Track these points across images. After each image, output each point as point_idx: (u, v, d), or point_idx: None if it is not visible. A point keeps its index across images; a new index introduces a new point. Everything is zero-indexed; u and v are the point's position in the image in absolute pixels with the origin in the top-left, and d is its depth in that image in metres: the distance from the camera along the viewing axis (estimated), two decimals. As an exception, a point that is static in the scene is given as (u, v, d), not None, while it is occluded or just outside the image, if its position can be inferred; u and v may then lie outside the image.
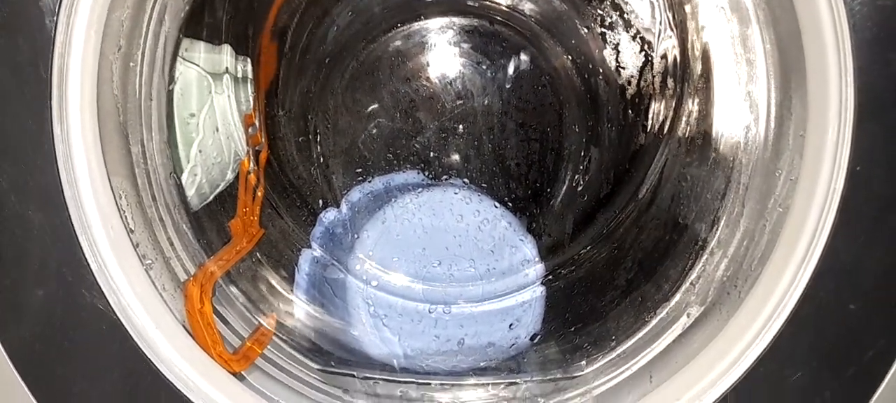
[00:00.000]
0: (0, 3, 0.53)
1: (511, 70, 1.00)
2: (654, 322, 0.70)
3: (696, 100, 0.81)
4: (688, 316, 0.67)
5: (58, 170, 0.55)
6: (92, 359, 0.60)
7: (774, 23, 0.60)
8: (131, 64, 0.61)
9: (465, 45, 1.01)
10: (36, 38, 0.53)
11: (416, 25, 1.01)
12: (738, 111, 0.68)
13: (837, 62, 0.53)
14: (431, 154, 1.00)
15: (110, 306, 0.58)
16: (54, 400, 0.59)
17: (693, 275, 0.69)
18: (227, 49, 0.81)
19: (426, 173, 0.98)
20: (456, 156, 1.00)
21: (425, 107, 1.00)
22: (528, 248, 0.88)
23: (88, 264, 0.57)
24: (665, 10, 0.86)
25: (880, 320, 0.58)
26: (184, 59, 0.74)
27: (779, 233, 0.58)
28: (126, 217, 0.60)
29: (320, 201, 0.97)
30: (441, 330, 0.85)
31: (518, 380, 0.76)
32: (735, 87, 0.68)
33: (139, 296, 0.59)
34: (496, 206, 0.89)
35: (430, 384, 0.77)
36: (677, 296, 0.70)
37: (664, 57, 0.89)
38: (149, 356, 0.59)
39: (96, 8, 0.54)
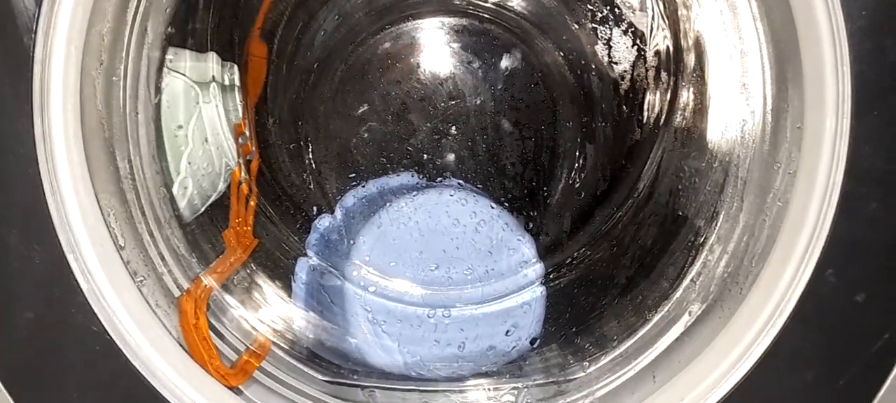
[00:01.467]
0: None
1: (503, 68, 1.00)
2: (655, 320, 0.70)
3: (691, 93, 0.81)
4: (689, 313, 0.67)
5: (43, 190, 0.55)
6: (86, 380, 0.59)
7: (768, 12, 0.60)
8: (114, 78, 0.61)
9: (455, 45, 1.00)
10: (13, 57, 0.53)
11: (404, 26, 1.00)
12: (733, 103, 0.67)
13: (833, 52, 0.52)
14: (425, 156, 0.99)
15: (103, 325, 0.57)
16: (48, 424, 0.59)
17: (693, 272, 0.69)
18: (212, 57, 0.81)
19: (421, 175, 0.98)
20: (450, 157, 1.00)
21: (417, 108, 1.00)
22: (527, 248, 0.87)
23: (78, 284, 0.56)
24: (656, 2, 0.85)
25: (886, 311, 0.57)
26: (169, 69, 0.73)
27: (779, 228, 0.58)
28: (115, 234, 0.59)
29: (314, 208, 0.97)
30: (441, 335, 0.84)
31: (520, 384, 0.76)
32: (730, 79, 0.67)
33: (132, 314, 0.58)
34: (493, 207, 0.89)
35: (431, 390, 0.77)
36: (678, 294, 0.69)
37: (657, 50, 0.88)
38: (144, 374, 0.58)
39: (75, 23, 0.54)
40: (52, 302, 0.57)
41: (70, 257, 0.56)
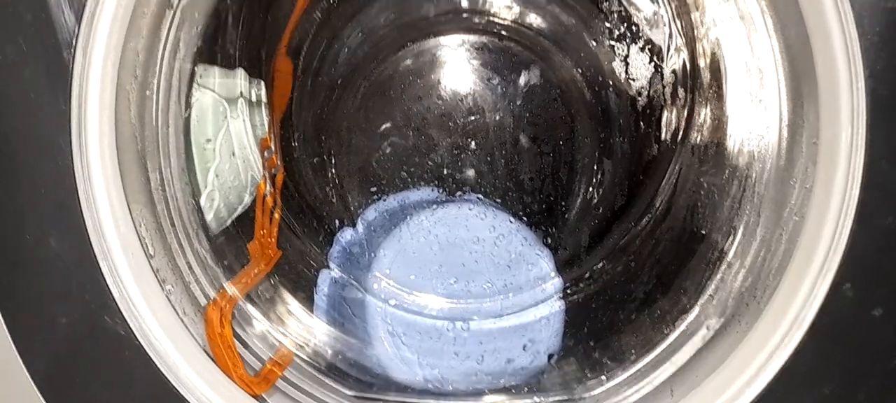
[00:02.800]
0: (18, 37, 0.54)
1: (521, 85, 1.01)
2: (673, 335, 0.70)
3: (708, 109, 0.81)
4: (707, 328, 0.66)
5: (79, 200, 0.56)
6: (115, 384, 0.61)
7: (783, 29, 0.60)
8: (148, 92, 0.62)
9: (475, 62, 1.01)
10: (54, 71, 0.55)
11: (425, 44, 1.02)
12: (750, 119, 0.67)
13: (847, 67, 0.52)
14: (445, 170, 1.00)
15: (132, 331, 0.59)
16: (78, 425, 0.61)
17: (711, 287, 0.68)
18: (240, 73, 0.82)
19: (441, 189, 0.99)
20: (470, 172, 1.01)
21: (437, 124, 1.01)
22: (545, 262, 0.87)
23: (110, 291, 0.58)
24: (673, 21, 0.86)
25: (904, 326, 0.57)
26: (199, 84, 0.75)
27: (796, 242, 0.58)
28: (146, 243, 0.61)
29: (337, 221, 0.98)
30: (460, 348, 0.85)
31: (538, 398, 0.76)
32: (746, 95, 0.67)
33: (160, 321, 0.60)
34: (511, 221, 0.89)
35: (449, 403, 0.77)
36: (696, 309, 0.69)
37: (674, 67, 0.88)
38: (170, 380, 0.60)
39: (112, 39, 0.55)
40: (85, 307, 0.58)
41: (103, 264, 0.57)
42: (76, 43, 0.54)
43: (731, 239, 0.68)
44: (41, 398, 0.60)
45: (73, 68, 0.55)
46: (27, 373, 0.59)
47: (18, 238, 0.57)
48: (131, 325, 0.59)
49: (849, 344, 0.57)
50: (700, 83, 0.82)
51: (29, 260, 0.58)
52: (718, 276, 0.68)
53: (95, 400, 0.61)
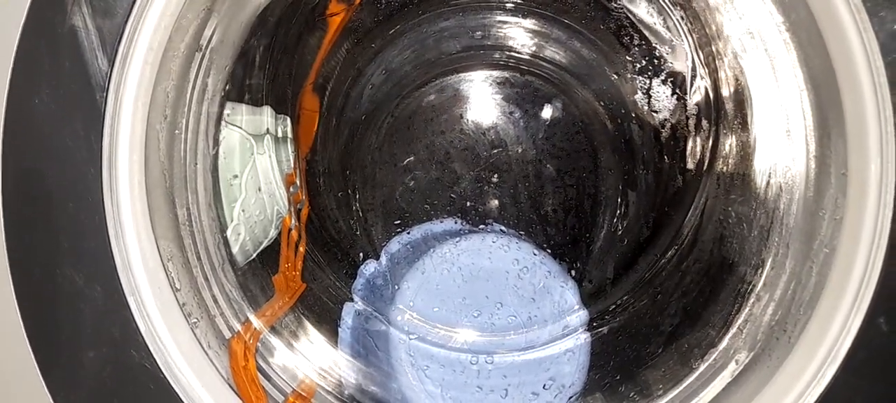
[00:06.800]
0: (56, 82, 0.56)
1: (544, 118, 1.01)
2: (701, 368, 0.68)
3: (733, 140, 0.80)
4: (736, 362, 0.65)
5: (108, 236, 0.57)
6: (141, 418, 0.61)
7: (806, 60, 0.59)
8: (177, 131, 0.64)
9: (498, 97, 1.02)
10: (87, 113, 0.56)
11: (447, 80, 1.03)
12: (776, 150, 0.66)
13: (874, 97, 0.52)
14: (468, 203, 1.00)
15: (158, 365, 0.59)
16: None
17: (740, 320, 0.67)
18: (267, 110, 0.84)
19: (464, 222, 0.99)
20: (493, 204, 1.01)
21: (460, 157, 1.01)
22: (570, 295, 0.86)
23: (137, 325, 0.58)
24: (695, 52, 0.86)
25: (944, 362, 0.55)
26: (227, 122, 0.77)
27: (827, 275, 0.56)
28: (173, 277, 0.61)
29: (361, 254, 0.98)
30: (484, 381, 0.84)
31: (563, 433, 0.75)
32: (772, 126, 0.66)
33: (185, 355, 0.60)
34: (535, 253, 0.89)
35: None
36: (724, 342, 0.68)
37: (697, 98, 0.88)
38: (195, 413, 0.60)
39: (143, 82, 0.57)
40: (112, 341, 0.58)
41: (130, 299, 0.58)
42: (108, 86, 0.56)
43: (759, 271, 0.67)
44: (69, 430, 0.60)
45: (105, 110, 0.56)
46: (56, 407, 0.60)
47: (49, 273, 0.58)
48: (157, 359, 0.59)
49: (884, 381, 0.55)
50: (724, 114, 0.81)
51: (59, 295, 0.59)
52: (747, 309, 0.67)
53: (122, 435, 0.61)
